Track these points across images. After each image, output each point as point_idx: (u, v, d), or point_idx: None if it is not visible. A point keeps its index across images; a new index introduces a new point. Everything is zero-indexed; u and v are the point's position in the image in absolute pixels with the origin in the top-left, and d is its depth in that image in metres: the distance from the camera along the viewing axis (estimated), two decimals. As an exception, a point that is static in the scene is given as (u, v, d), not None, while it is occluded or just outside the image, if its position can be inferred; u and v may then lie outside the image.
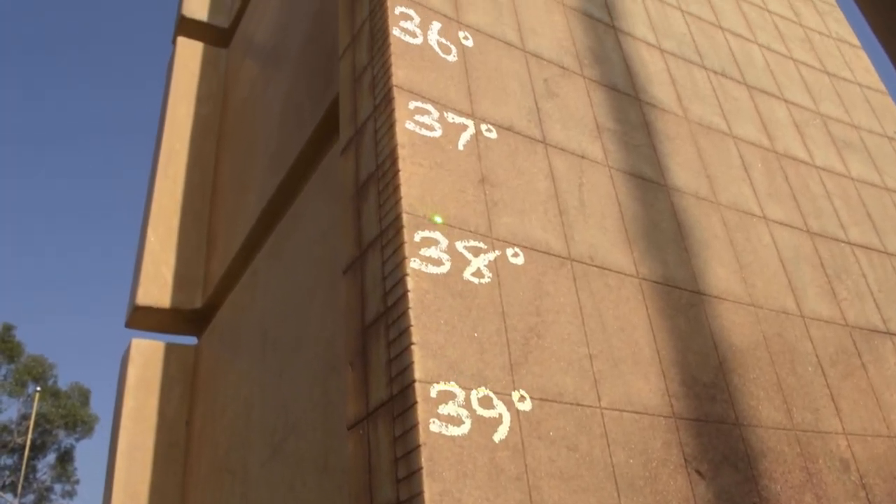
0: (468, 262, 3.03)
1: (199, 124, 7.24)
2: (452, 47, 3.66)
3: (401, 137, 3.03)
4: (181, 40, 7.67)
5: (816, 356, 3.98)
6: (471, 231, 3.05)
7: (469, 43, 3.74)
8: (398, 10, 3.58)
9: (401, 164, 2.95)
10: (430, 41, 3.59)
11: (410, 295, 2.67)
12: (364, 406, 2.80)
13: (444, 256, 2.98)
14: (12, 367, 34.66)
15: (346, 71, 3.73)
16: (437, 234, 3.01)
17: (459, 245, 3.05)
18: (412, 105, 3.19)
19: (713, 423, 3.26)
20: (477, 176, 3.19)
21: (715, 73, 5.00)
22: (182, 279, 6.41)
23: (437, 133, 3.20)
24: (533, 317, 2.96)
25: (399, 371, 2.59)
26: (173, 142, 7.04)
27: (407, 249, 2.79)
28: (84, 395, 35.79)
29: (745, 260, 4.04)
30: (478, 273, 3.02)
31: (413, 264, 2.83)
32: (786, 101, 5.34)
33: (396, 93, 3.17)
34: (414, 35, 3.55)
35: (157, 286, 6.27)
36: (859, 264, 4.71)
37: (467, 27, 3.79)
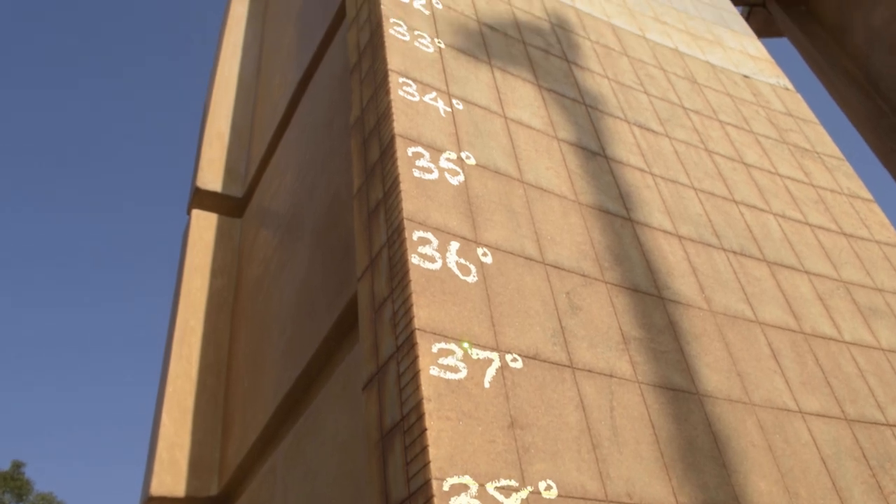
0: (500, 507, 2.90)
1: (214, 298, 7.22)
2: (472, 267, 3.61)
3: (426, 390, 2.93)
4: (196, 213, 7.76)
5: (871, 569, 3.75)
6: (503, 482, 2.91)
7: (488, 260, 3.70)
8: (416, 235, 3.55)
9: (427, 422, 2.84)
10: (448, 264, 3.55)
11: (445, 581, 2.50)
12: None
13: (476, 503, 2.85)
14: (20, 505, 33.80)
15: (364, 297, 3.67)
16: (467, 479, 2.88)
17: (490, 486, 2.92)
18: (436, 348, 3.11)
19: None
20: (506, 420, 3.07)
21: (734, 253, 4.96)
22: (197, 464, 6.22)
23: (463, 374, 3.11)
24: (574, 581, 2.77)
25: None
26: (188, 317, 7.00)
27: (438, 522, 2.64)
28: (93, 534, 34.68)
29: (785, 466, 3.86)
30: (511, 518, 2.88)
31: (443, 519, 2.69)
32: (807, 272, 5.27)
33: (419, 336, 3.10)
34: (433, 260, 3.51)
35: (171, 474, 6.09)
36: (902, 449, 4.52)
37: (486, 245, 3.76)
